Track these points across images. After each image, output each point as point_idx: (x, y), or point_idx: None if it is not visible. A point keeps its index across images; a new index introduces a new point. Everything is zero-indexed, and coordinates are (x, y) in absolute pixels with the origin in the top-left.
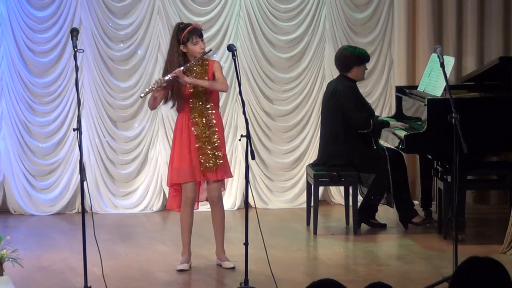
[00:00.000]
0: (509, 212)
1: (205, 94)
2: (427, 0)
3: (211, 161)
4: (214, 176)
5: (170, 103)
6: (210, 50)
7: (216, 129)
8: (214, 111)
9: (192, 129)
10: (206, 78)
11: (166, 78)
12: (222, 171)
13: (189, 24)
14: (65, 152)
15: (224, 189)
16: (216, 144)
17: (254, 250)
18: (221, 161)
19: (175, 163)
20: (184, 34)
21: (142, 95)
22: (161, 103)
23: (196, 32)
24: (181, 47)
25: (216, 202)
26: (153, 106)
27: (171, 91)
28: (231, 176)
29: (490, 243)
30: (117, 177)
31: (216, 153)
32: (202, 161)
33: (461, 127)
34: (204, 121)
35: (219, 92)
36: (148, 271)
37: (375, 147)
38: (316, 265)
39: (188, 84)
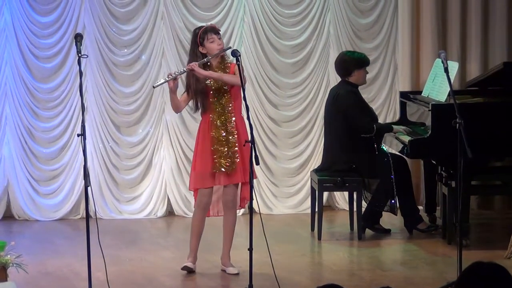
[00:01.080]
0: None
1: (226, 97)
2: (431, 5)
3: (226, 164)
4: (230, 180)
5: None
6: (230, 47)
7: (235, 132)
8: (235, 115)
9: (211, 132)
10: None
11: (180, 70)
12: (246, 173)
13: (203, 26)
14: (69, 158)
15: (243, 207)
16: (234, 148)
17: (259, 255)
18: (235, 167)
19: (197, 168)
20: (200, 33)
21: (155, 85)
22: (185, 107)
23: (212, 30)
24: (200, 48)
25: (230, 207)
26: (175, 108)
27: (193, 93)
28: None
29: (494, 249)
30: (121, 182)
31: (233, 156)
32: (216, 163)
33: (465, 132)
34: (222, 124)
35: (242, 99)
36: (153, 276)
37: (377, 152)
38: (321, 271)
39: (203, 77)
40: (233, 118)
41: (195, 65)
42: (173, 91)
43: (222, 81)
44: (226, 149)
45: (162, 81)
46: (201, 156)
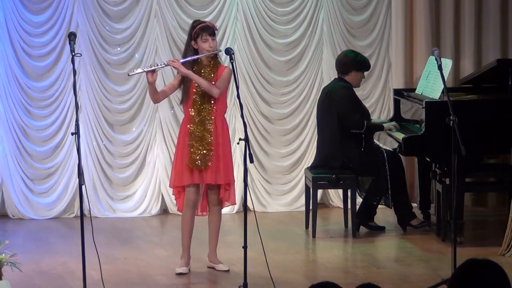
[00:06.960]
0: (508, 214)
1: (208, 96)
2: (424, 3)
3: (200, 160)
4: (212, 180)
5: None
6: (220, 50)
7: (213, 131)
8: (215, 115)
9: (188, 126)
10: (212, 80)
11: (160, 64)
12: (222, 175)
13: (203, 22)
14: (63, 156)
15: (233, 202)
16: (209, 146)
17: (253, 253)
18: (210, 163)
19: (177, 165)
20: (196, 29)
21: (130, 73)
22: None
23: (208, 29)
24: (192, 43)
25: (215, 204)
26: (153, 98)
27: (181, 88)
28: (232, 181)
29: (488, 245)
30: (115, 180)
31: (207, 153)
32: (191, 158)
33: (459, 130)
34: (201, 120)
35: (227, 101)
36: (147, 275)
37: (363, 149)
38: (315, 268)
39: (183, 74)
40: (212, 117)
41: (177, 61)
42: (150, 83)
43: (200, 85)
44: (201, 146)
45: (139, 70)
46: (182, 154)
